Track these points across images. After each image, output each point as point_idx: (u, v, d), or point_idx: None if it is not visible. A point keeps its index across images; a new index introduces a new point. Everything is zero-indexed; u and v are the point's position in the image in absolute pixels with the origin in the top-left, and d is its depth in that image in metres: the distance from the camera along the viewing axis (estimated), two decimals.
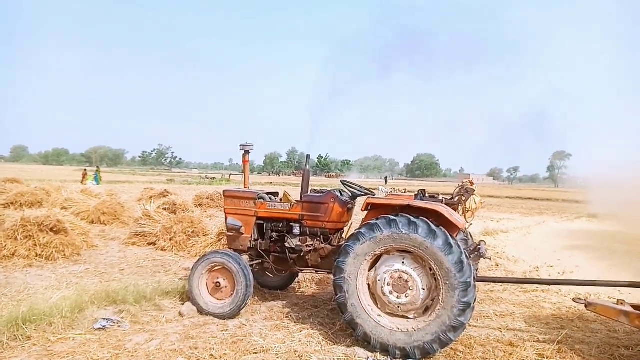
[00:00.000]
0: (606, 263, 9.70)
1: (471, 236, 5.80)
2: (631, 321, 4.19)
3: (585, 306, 4.52)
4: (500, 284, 7.03)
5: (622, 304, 4.43)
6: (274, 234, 5.55)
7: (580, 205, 28.49)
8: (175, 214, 11.37)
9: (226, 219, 5.77)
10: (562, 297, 6.80)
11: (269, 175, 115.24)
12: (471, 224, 5.61)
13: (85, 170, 29.86)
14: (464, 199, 5.11)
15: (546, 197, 43.45)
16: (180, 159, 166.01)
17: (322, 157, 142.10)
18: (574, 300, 4.74)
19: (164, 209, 12.05)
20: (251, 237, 5.63)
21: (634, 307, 4.40)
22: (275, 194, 5.92)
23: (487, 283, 6.89)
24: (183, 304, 5.34)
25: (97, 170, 29.42)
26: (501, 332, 5.14)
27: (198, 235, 9.35)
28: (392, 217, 4.37)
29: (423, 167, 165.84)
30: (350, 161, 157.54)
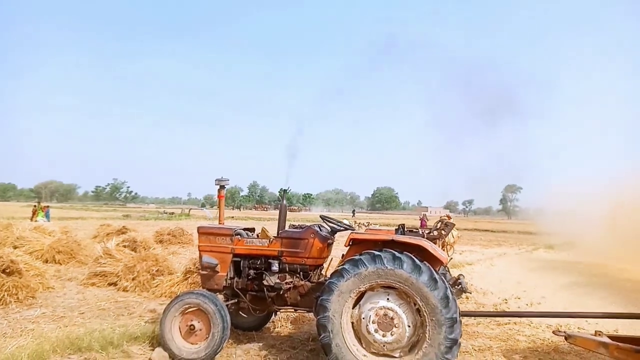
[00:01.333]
0: (570, 293, 10.00)
1: (449, 270, 5.83)
2: (610, 352, 4.27)
3: (565, 338, 4.59)
4: (474, 317, 7.06)
5: (599, 335, 4.53)
6: (252, 272, 5.36)
7: (535, 237, 29.57)
8: (136, 252, 10.88)
9: (200, 256, 5.53)
10: (535, 329, 6.88)
11: (232, 209, 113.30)
12: (451, 258, 5.65)
13: (35, 206, 28.20)
14: (444, 233, 5.15)
15: (502, 229, 44.81)
16: (136, 193, 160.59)
17: (285, 191, 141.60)
18: (554, 332, 4.80)
19: (124, 246, 11.53)
20: (227, 275, 5.41)
21: (611, 337, 4.50)
22: (252, 230, 5.77)
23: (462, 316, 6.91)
24: (153, 350, 4.99)
25: (41, 207, 27.40)
26: None
27: (163, 274, 8.92)
28: (376, 253, 4.32)
29: (383, 200, 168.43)
30: (312, 194, 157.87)
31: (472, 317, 7.12)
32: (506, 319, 7.18)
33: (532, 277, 12.30)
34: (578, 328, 6.87)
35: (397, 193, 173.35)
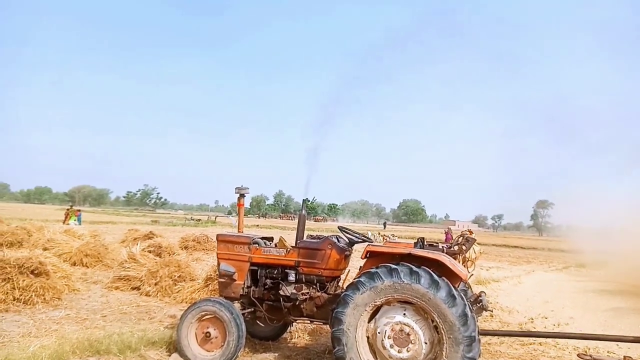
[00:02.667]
0: (600, 314, 9.59)
1: (470, 287, 5.68)
2: None
3: None
4: (498, 336, 6.84)
5: None
6: (268, 281, 5.36)
7: (566, 254, 28.63)
8: (160, 257, 11.05)
9: (219, 264, 5.57)
10: (560, 351, 6.61)
11: (258, 217, 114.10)
12: (472, 274, 5.50)
13: (67, 209, 29.08)
14: (464, 248, 5.02)
15: (532, 245, 43.60)
16: (165, 199, 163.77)
17: (309, 201, 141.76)
18: (579, 355, 4.60)
19: (149, 251, 11.74)
20: (244, 283, 5.42)
21: None
22: (270, 239, 5.77)
23: (483, 335, 6.70)
24: (170, 355, 5.05)
25: (73, 211, 28.16)
26: None
27: (185, 280, 9.02)
28: (393, 266, 4.25)
29: (409, 213, 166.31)
30: (337, 205, 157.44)
31: (496, 336, 6.90)
32: (531, 339, 6.93)
33: (561, 297, 11.87)
34: (608, 352, 6.56)
35: (423, 206, 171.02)
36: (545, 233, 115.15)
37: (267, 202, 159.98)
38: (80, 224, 25.80)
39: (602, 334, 5.44)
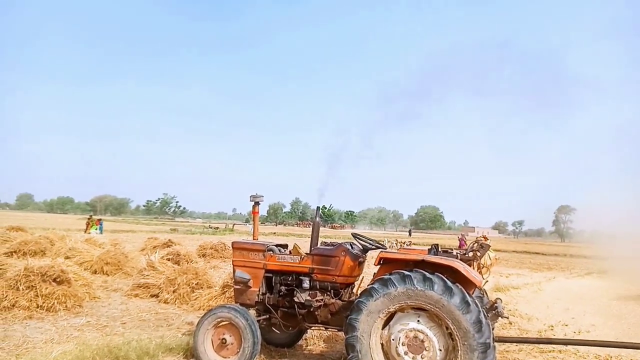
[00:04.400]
0: (623, 322, 9.37)
1: (486, 293, 5.62)
2: None
3: None
4: (515, 343, 6.74)
5: None
6: (283, 288, 5.40)
7: (589, 261, 28.00)
8: (178, 265, 11.20)
9: (234, 271, 5.64)
10: (581, 359, 6.49)
11: (276, 225, 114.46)
12: (487, 281, 5.45)
13: (88, 218, 29.61)
14: (479, 254, 4.99)
15: (553, 251, 42.72)
16: (184, 208, 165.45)
17: (325, 208, 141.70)
18: None
19: (168, 259, 11.91)
20: (259, 290, 5.48)
21: None
22: (285, 246, 5.83)
23: (501, 342, 6.61)
24: None
25: (94, 220, 28.68)
26: None
27: (202, 288, 9.13)
28: (406, 273, 4.26)
29: (427, 219, 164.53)
30: (354, 212, 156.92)
31: (514, 344, 6.80)
32: (550, 347, 6.81)
33: (583, 304, 11.62)
34: None
35: (441, 212, 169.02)
36: (567, 239, 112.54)
37: (284, 210, 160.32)
38: (101, 233, 26.27)
39: (624, 342, 5.32)
